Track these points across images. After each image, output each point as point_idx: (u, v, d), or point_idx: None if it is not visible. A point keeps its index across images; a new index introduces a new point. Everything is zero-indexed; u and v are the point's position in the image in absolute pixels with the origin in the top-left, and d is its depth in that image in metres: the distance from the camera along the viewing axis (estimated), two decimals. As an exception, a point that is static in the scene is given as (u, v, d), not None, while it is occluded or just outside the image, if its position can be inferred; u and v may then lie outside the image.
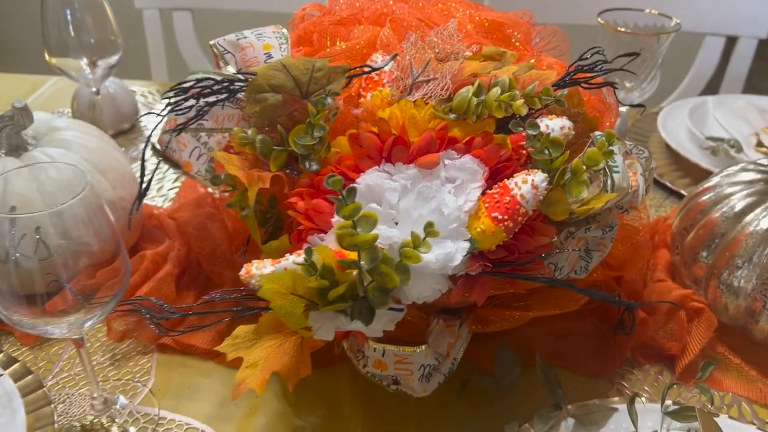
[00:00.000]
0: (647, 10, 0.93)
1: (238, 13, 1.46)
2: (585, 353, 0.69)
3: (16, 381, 0.63)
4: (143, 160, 0.57)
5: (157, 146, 0.71)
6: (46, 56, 0.92)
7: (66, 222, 0.51)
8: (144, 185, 0.58)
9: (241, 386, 0.50)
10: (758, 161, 0.76)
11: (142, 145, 1.06)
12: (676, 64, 1.43)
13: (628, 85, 0.93)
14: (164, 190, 0.94)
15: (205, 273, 0.75)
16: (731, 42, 1.40)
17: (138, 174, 0.67)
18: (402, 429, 0.63)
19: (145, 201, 0.84)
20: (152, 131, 0.57)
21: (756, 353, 0.69)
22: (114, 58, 0.95)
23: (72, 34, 0.90)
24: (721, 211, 0.70)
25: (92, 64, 0.94)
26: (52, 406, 0.61)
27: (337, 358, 0.65)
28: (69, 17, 0.90)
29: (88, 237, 0.52)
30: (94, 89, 0.96)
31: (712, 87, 1.44)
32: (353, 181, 0.54)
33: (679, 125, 1.05)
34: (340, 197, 0.46)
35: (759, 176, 0.72)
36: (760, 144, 1.00)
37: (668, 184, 0.96)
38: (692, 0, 1.36)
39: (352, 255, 0.48)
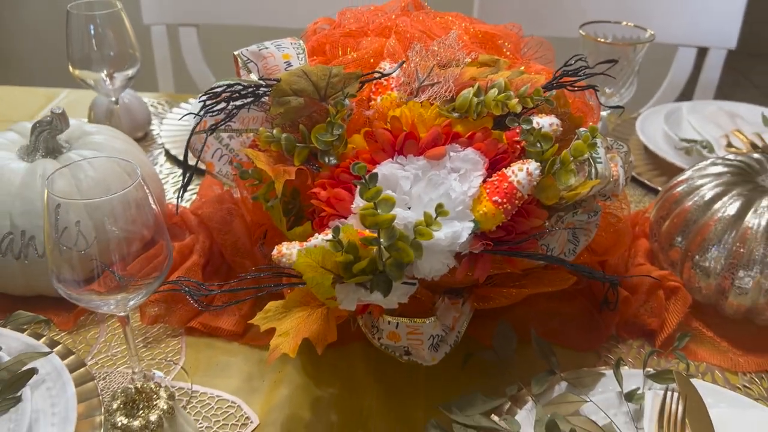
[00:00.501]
0: (624, 23, 1.02)
1: (241, 29, 1.54)
2: (574, 330, 0.77)
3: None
4: (186, 153, 0.64)
5: (171, 150, 0.77)
6: (70, 68, 0.99)
7: (116, 210, 0.58)
8: (186, 178, 0.65)
9: (275, 352, 0.57)
10: (725, 157, 0.85)
11: (156, 152, 1.12)
12: (653, 74, 1.52)
13: (608, 91, 1.02)
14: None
15: (227, 263, 0.82)
16: (702, 53, 1.50)
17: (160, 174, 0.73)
18: (411, 400, 0.70)
19: (166, 200, 0.91)
20: (193, 128, 0.64)
21: (727, 327, 0.77)
22: (132, 71, 1.01)
23: (95, 48, 0.97)
24: (693, 200, 0.78)
25: (110, 76, 1.01)
26: (95, 381, 0.67)
27: (352, 337, 0.72)
28: (92, 32, 0.96)
29: (136, 224, 0.59)
30: (113, 99, 1.03)
31: (686, 94, 1.53)
32: (369, 171, 0.61)
33: (656, 129, 1.13)
34: (363, 181, 0.53)
35: (726, 169, 0.81)
36: (729, 145, 1.08)
37: (646, 182, 1.04)
38: (666, 13, 1.46)
39: (373, 234, 0.55)
